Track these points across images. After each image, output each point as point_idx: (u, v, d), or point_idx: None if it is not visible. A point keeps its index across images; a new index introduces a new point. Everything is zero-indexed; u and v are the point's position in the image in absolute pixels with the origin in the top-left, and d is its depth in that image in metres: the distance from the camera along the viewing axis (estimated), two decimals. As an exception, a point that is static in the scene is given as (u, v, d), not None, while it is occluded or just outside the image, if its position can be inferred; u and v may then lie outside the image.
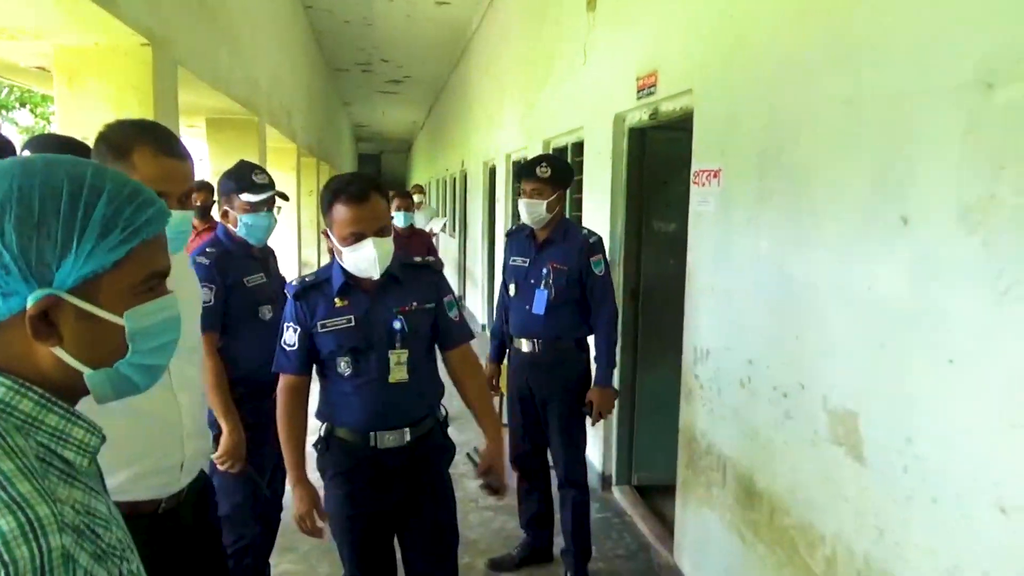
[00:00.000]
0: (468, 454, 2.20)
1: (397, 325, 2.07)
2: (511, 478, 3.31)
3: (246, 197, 2.62)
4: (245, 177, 2.67)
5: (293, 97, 8.13)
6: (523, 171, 3.11)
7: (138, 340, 0.81)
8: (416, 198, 6.55)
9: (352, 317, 2.06)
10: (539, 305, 3.06)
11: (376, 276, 2.01)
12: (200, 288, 2.04)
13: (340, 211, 1.97)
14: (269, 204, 2.70)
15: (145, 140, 1.51)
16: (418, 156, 22.01)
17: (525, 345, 3.15)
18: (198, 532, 1.69)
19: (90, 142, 2.85)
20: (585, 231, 3.12)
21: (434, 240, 10.40)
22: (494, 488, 2.29)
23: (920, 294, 1.73)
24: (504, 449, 2.32)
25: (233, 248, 2.65)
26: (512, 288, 3.22)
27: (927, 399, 1.71)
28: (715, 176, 2.79)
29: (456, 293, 2.97)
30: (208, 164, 6.17)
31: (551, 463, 3.27)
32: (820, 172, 2.14)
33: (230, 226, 2.67)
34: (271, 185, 2.73)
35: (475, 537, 3.67)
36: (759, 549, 2.49)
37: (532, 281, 3.11)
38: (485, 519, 3.87)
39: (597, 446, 4.29)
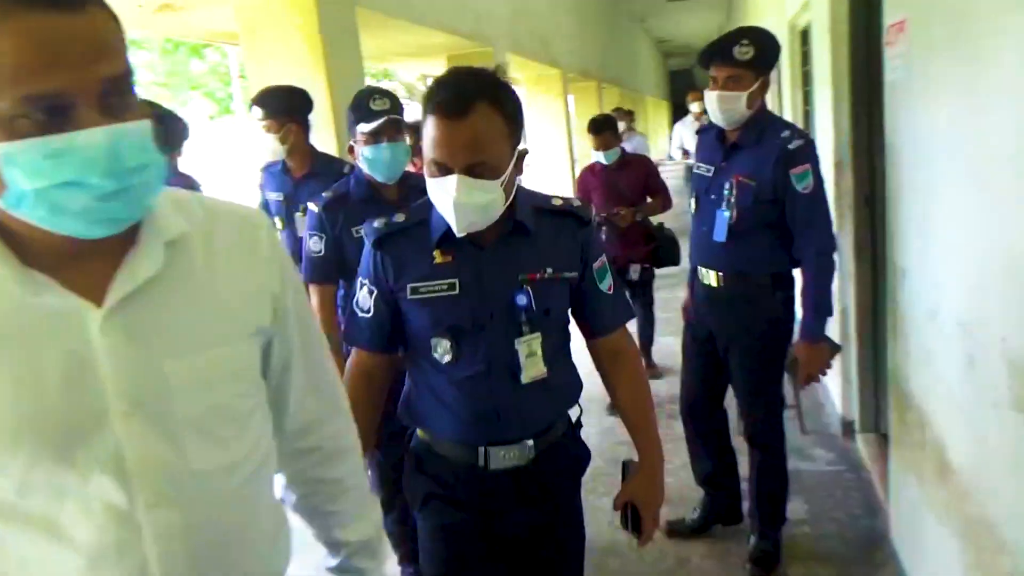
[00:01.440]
0: (624, 462, 1.57)
1: (522, 300, 1.41)
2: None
3: (362, 127, 2.25)
4: (362, 105, 2.25)
5: (550, 23, 8.03)
6: (714, 53, 2.29)
7: None
8: (620, 125, 5.26)
9: (456, 281, 1.40)
10: (719, 231, 2.38)
11: (456, 231, 1.36)
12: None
13: (428, 125, 1.32)
14: (390, 133, 2.23)
15: None
16: (728, 64, 20.48)
17: (706, 276, 2.52)
18: None
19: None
20: (787, 132, 2.28)
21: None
22: (635, 528, 1.54)
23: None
24: (660, 489, 1.55)
25: (354, 191, 2.29)
26: (692, 204, 2.60)
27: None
28: (901, 30, 2.00)
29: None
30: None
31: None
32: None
33: (359, 164, 2.34)
34: (391, 110, 2.25)
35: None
36: (951, 543, 1.82)
37: (713, 197, 2.40)
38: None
39: (837, 385, 3.58)
